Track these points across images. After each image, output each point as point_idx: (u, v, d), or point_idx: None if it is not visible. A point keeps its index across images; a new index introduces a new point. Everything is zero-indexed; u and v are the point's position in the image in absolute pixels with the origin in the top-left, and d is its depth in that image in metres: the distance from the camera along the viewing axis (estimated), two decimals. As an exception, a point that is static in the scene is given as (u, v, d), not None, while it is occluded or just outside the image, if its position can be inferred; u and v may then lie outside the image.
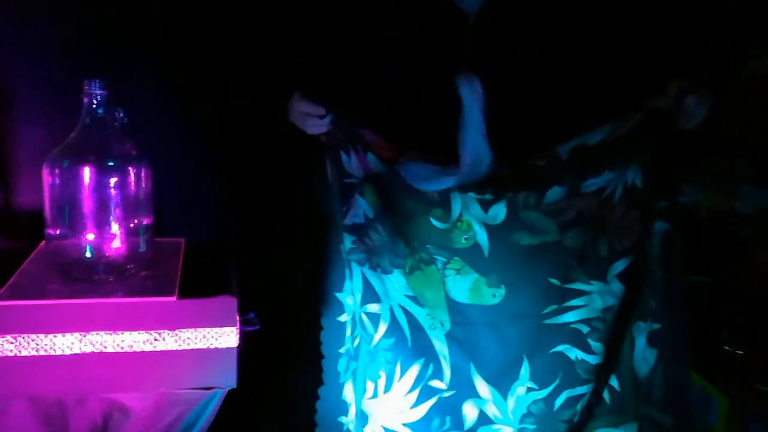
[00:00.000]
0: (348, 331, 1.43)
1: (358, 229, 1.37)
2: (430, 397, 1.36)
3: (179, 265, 1.43)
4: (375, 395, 1.40)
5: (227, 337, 1.30)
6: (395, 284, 1.35)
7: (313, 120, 1.31)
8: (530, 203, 1.26)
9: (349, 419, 1.45)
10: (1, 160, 1.63)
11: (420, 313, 1.34)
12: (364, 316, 1.40)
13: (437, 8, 1.34)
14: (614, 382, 1.32)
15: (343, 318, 1.43)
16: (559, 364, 1.30)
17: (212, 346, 1.30)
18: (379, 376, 1.40)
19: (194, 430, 1.33)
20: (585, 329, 1.29)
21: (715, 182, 1.68)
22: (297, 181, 1.75)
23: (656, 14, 1.44)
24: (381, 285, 1.37)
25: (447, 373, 1.34)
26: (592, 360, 1.29)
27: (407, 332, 1.36)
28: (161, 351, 1.27)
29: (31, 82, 1.61)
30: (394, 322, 1.37)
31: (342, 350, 1.44)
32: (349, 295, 1.41)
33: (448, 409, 1.35)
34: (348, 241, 1.38)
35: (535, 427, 1.31)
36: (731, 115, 1.59)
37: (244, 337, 1.33)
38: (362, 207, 1.36)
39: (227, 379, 1.31)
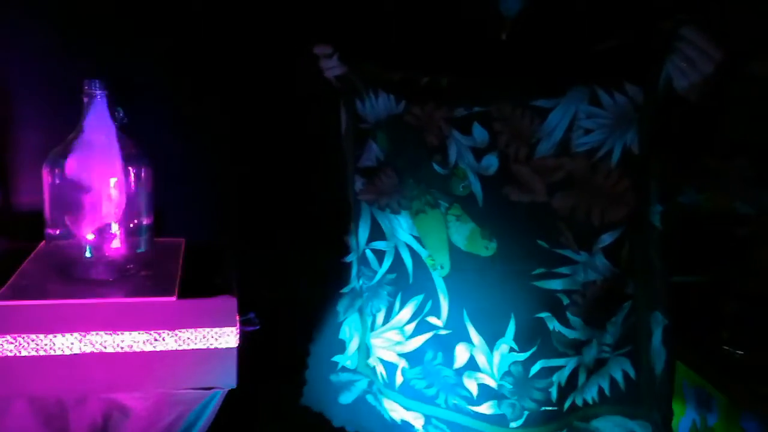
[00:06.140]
0: (354, 271, 1.47)
1: (370, 172, 1.42)
2: (425, 332, 1.37)
3: (179, 265, 1.44)
4: (374, 328, 1.43)
5: (227, 337, 1.30)
6: (402, 224, 1.38)
7: (325, 62, 1.38)
8: (521, 156, 1.25)
9: (347, 356, 1.47)
10: (1, 160, 1.64)
11: (424, 253, 1.37)
12: (369, 253, 1.43)
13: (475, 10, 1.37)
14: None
15: (348, 259, 1.47)
16: (539, 330, 1.28)
17: (212, 347, 1.30)
18: (380, 310, 1.42)
19: (194, 430, 1.33)
20: (565, 300, 1.26)
21: (715, 182, 1.68)
22: (296, 180, 1.75)
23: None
24: (388, 224, 1.40)
25: (444, 311, 1.35)
26: (569, 334, 1.26)
27: (410, 269, 1.38)
28: (161, 351, 1.27)
29: (31, 82, 1.61)
30: (398, 258, 1.40)
31: (345, 290, 1.47)
32: (354, 235, 1.45)
33: (442, 346, 1.36)
34: (359, 183, 1.43)
35: (512, 387, 1.30)
36: (731, 115, 1.59)
37: (244, 337, 1.33)
38: (374, 151, 1.41)
39: (227, 379, 1.32)
